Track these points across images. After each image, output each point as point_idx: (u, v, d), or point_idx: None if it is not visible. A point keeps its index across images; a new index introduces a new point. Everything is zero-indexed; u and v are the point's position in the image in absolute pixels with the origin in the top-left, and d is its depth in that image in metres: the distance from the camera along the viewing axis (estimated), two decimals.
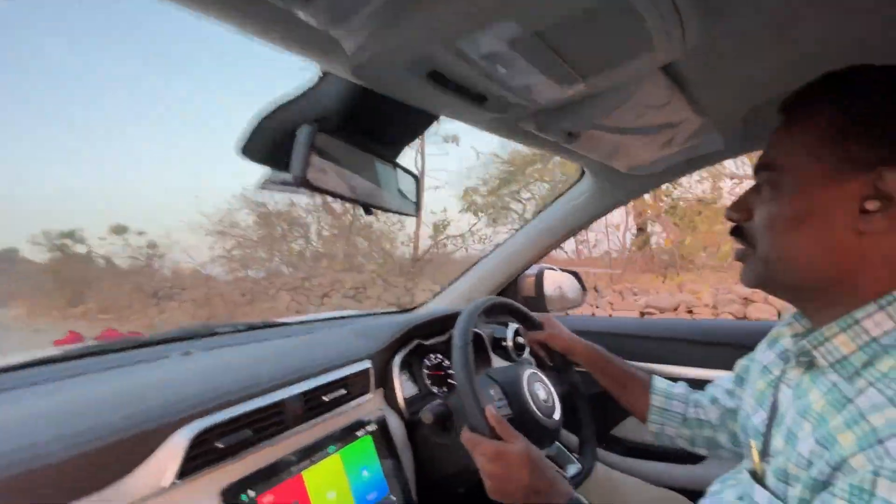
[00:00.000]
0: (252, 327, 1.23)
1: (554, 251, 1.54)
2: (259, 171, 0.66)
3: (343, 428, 0.79)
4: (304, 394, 0.76)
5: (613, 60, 0.53)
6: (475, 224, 11.09)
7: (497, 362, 1.28)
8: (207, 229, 10.34)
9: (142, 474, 0.57)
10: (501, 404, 0.84)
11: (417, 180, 0.77)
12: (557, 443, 1.09)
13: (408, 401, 1.02)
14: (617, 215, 10.52)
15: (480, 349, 1.24)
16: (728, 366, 0.85)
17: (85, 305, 9.74)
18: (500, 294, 1.46)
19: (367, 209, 0.63)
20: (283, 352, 0.88)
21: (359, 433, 0.80)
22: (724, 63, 0.64)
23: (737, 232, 0.60)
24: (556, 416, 0.91)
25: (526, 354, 1.31)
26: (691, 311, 7.43)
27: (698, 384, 0.91)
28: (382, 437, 0.84)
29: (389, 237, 10.90)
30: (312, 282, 9.43)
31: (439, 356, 1.17)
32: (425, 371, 1.13)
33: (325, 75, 0.56)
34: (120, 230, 10.52)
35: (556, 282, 1.46)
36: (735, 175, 9.64)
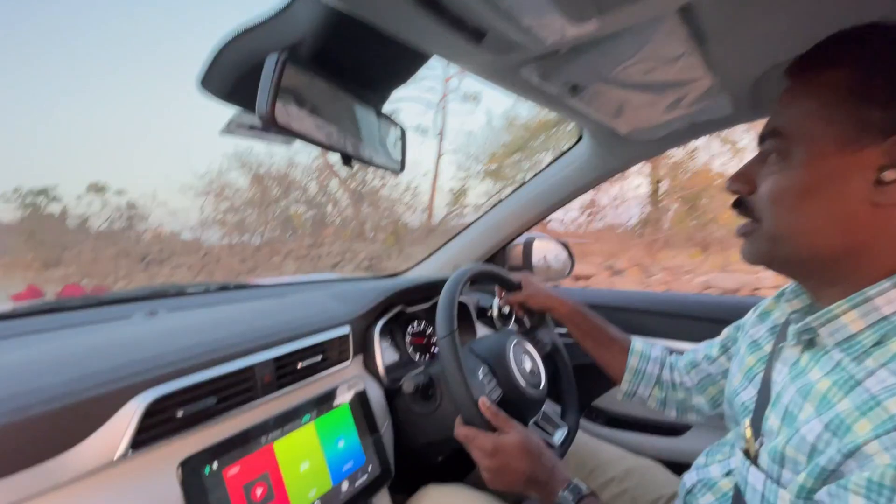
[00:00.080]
0: (225, 288, 1.17)
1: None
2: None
3: (319, 396, 0.74)
4: (277, 360, 0.70)
5: None
6: (500, 192, 10.00)
7: (481, 331, 1.24)
8: (198, 190, 9.70)
9: (90, 445, 0.52)
10: (491, 386, 0.81)
11: (404, 134, 0.69)
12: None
13: (388, 368, 0.98)
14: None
15: (465, 319, 1.21)
16: None
17: (65, 269, 9.09)
18: (487, 262, 1.42)
19: (346, 159, 0.56)
20: (255, 315, 0.82)
21: (335, 402, 0.76)
22: (746, 13, 0.58)
23: (739, 205, 0.56)
24: (542, 385, 0.90)
25: (512, 325, 1.28)
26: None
27: None
28: (360, 405, 0.80)
29: (405, 203, 10.12)
30: (321, 250, 8.83)
31: (423, 323, 1.12)
32: (408, 338, 1.09)
33: None
34: (98, 189, 9.86)
35: (544, 251, 1.42)
36: None
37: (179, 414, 0.58)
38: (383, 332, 1.03)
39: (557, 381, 1.01)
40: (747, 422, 0.58)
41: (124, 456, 0.54)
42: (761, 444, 0.52)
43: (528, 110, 10.03)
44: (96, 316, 0.89)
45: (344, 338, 0.83)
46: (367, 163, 0.62)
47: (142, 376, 0.57)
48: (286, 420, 0.68)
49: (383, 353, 1.00)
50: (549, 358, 1.02)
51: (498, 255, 1.44)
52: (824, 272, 0.50)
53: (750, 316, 0.74)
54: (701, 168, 8.97)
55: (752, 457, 0.53)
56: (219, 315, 0.84)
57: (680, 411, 0.87)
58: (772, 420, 0.52)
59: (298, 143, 0.58)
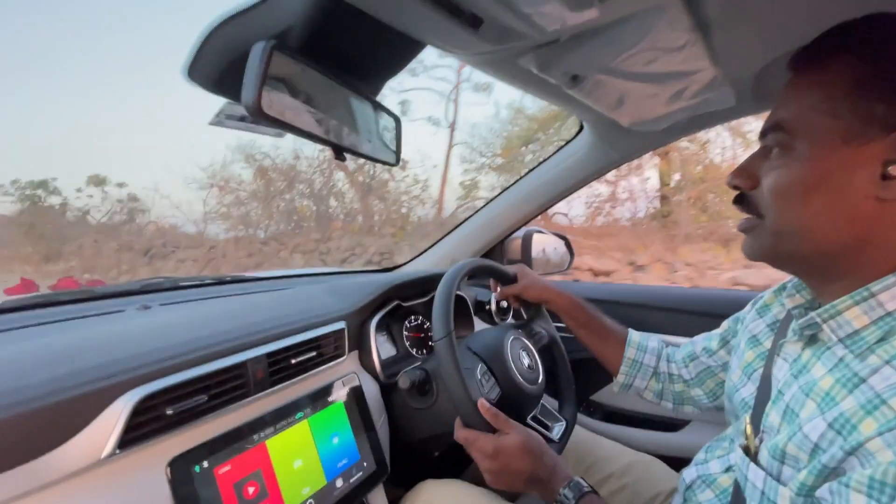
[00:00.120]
0: (221, 282, 1.16)
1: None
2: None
3: (313, 392, 0.73)
4: (270, 356, 0.69)
5: None
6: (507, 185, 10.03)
7: (480, 326, 1.23)
8: (202, 183, 9.37)
9: (78, 444, 0.51)
10: (489, 385, 0.80)
11: (399, 124, 0.67)
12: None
13: (386, 362, 0.97)
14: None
15: (463, 313, 1.19)
16: None
17: (65, 262, 8.95)
18: (486, 256, 1.41)
19: (339, 153, 0.55)
20: (249, 309, 0.80)
21: (330, 399, 0.75)
22: (750, 2, 0.56)
23: (741, 200, 0.55)
24: (540, 380, 0.90)
25: (510, 319, 1.27)
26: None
27: None
28: (355, 401, 0.79)
29: (416, 197, 9.70)
30: (330, 244, 8.54)
31: (420, 317, 1.11)
32: (405, 333, 1.08)
33: None
34: (98, 181, 9.64)
35: (543, 245, 1.41)
36: None
37: (169, 412, 0.57)
38: (380, 327, 1.02)
39: (555, 374, 1.01)
40: (747, 418, 0.57)
41: (112, 455, 0.53)
42: (761, 441, 0.51)
43: (535, 101, 9.82)
44: (88, 310, 0.87)
45: (339, 333, 0.82)
46: (360, 155, 0.60)
47: (130, 374, 0.56)
48: (279, 417, 0.67)
49: (380, 348, 0.99)
50: (547, 350, 1.01)
51: (497, 249, 1.42)
52: (828, 268, 0.50)
53: (749, 309, 0.74)
54: (716, 162, 8.59)
55: (751, 454, 0.52)
56: (212, 310, 0.82)
57: (676, 403, 0.87)
58: (772, 417, 0.51)
59: None
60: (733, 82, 0.80)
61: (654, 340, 0.90)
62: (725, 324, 0.80)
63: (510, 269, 0.97)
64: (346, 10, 0.47)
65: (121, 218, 9.78)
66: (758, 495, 0.49)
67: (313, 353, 0.76)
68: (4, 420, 0.46)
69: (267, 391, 0.68)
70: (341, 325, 0.83)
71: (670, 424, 1.21)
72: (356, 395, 0.79)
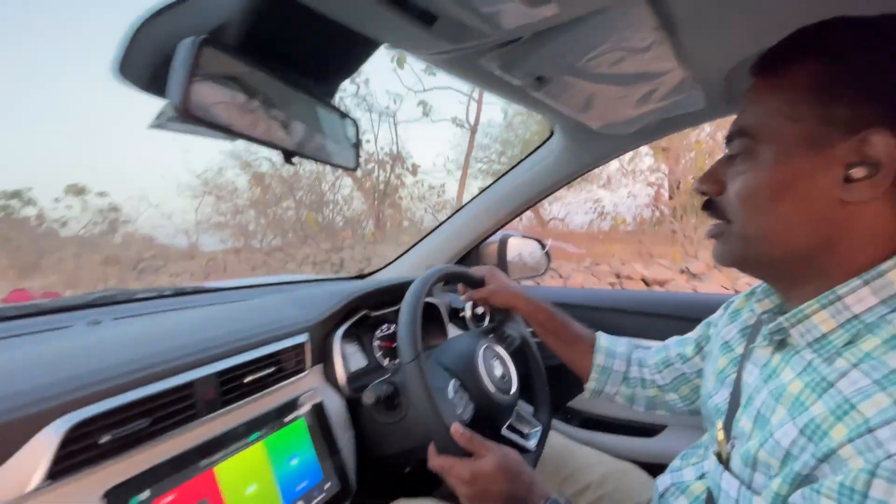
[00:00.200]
0: (181, 293, 1.10)
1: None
2: None
3: (270, 412, 0.69)
4: (221, 374, 0.64)
5: None
6: None
7: (453, 332, 1.20)
8: (196, 190, 8.77)
9: (2, 476, 0.46)
10: (463, 403, 0.77)
11: (357, 128, 0.64)
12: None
13: (355, 375, 0.93)
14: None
15: (436, 321, 1.16)
16: None
17: (44, 278, 8.28)
18: (461, 261, 1.38)
19: (288, 156, 0.51)
20: (204, 324, 0.76)
21: (288, 418, 0.71)
22: (716, 2, 0.55)
23: (709, 206, 0.55)
24: (514, 389, 0.88)
25: (486, 323, 1.24)
26: None
27: None
28: (317, 419, 0.75)
29: (432, 204, 9.15)
30: (343, 254, 8.08)
31: (391, 326, 1.08)
32: (376, 343, 1.04)
33: None
34: (77, 191, 9.13)
35: (520, 249, 1.39)
36: None
37: (104, 439, 0.53)
38: (350, 338, 0.99)
39: (528, 377, 0.99)
40: (720, 424, 0.57)
41: (39, 488, 0.48)
42: (733, 447, 0.51)
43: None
44: (35, 326, 0.82)
45: (300, 346, 0.78)
46: (314, 159, 0.57)
47: (61, 399, 0.52)
48: (230, 441, 0.62)
49: (349, 360, 0.95)
50: (519, 352, 0.99)
51: (472, 254, 1.40)
52: (795, 272, 0.49)
53: (721, 313, 0.74)
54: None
55: (724, 460, 0.52)
56: (165, 324, 0.78)
57: (649, 406, 0.86)
58: (743, 422, 0.51)
59: None
60: (703, 84, 0.79)
61: (622, 345, 0.89)
62: (699, 329, 0.80)
63: (478, 271, 0.94)
64: (289, 3, 0.43)
65: (101, 229, 9.28)
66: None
67: (272, 370, 0.72)
68: None
69: (218, 412, 0.64)
70: (303, 337, 0.79)
71: (650, 430, 1.19)
72: (318, 412, 0.75)
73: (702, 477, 0.62)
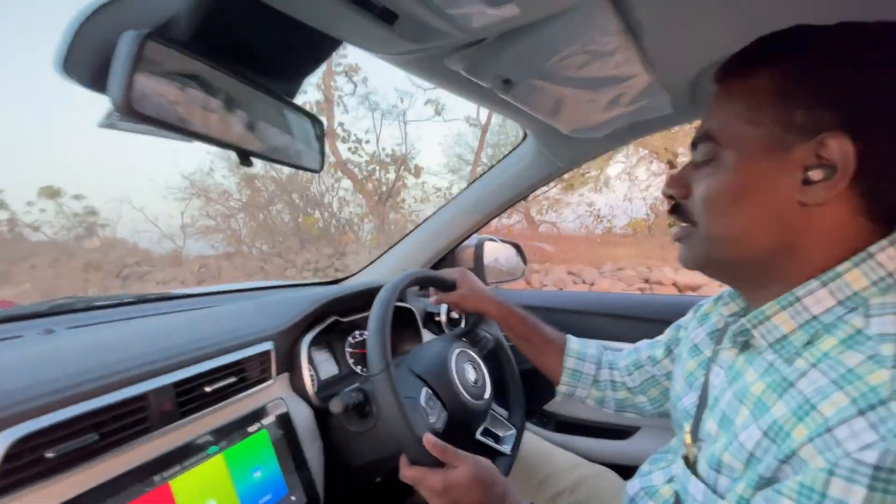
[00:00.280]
0: (142, 300, 1.06)
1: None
2: None
3: (230, 423, 0.66)
4: (178, 384, 0.62)
5: None
6: (550, 189, 8.81)
7: (427, 337, 1.19)
8: (185, 193, 8.33)
9: None
10: (435, 412, 0.76)
11: (322, 128, 0.62)
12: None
13: (325, 383, 0.91)
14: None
15: (411, 325, 1.15)
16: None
17: (15, 287, 7.75)
18: (437, 265, 1.37)
19: (244, 157, 0.49)
20: (163, 332, 0.73)
21: (251, 428, 0.68)
22: (680, 7, 0.56)
23: (676, 210, 0.56)
24: (487, 393, 0.87)
25: (462, 325, 1.23)
26: None
27: None
28: (282, 429, 0.72)
29: (439, 206, 8.80)
30: (346, 259, 7.88)
31: (364, 332, 1.06)
32: (348, 350, 1.02)
33: None
34: (52, 193, 8.55)
35: (496, 253, 1.39)
36: None
37: (50, 454, 0.50)
38: (320, 345, 0.96)
39: (502, 379, 0.98)
40: (687, 427, 0.57)
41: None
42: (699, 450, 0.51)
43: None
44: None
45: (265, 355, 0.75)
46: (274, 160, 0.55)
47: (4, 412, 0.49)
48: (187, 454, 0.59)
49: (320, 368, 0.93)
50: (493, 354, 0.98)
51: (448, 258, 1.39)
52: (757, 274, 0.50)
53: (691, 317, 0.75)
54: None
55: (691, 464, 0.52)
56: (121, 333, 0.74)
57: (618, 409, 0.86)
58: (709, 424, 0.51)
59: None
60: (669, 89, 0.80)
61: (592, 347, 0.89)
62: (668, 332, 0.81)
63: (449, 273, 0.93)
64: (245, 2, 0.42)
65: (78, 233, 8.72)
66: None
67: (233, 379, 0.69)
68: None
69: (175, 424, 0.61)
70: (267, 345, 0.76)
71: (623, 432, 1.20)
72: (283, 422, 0.73)
73: (670, 481, 0.62)
